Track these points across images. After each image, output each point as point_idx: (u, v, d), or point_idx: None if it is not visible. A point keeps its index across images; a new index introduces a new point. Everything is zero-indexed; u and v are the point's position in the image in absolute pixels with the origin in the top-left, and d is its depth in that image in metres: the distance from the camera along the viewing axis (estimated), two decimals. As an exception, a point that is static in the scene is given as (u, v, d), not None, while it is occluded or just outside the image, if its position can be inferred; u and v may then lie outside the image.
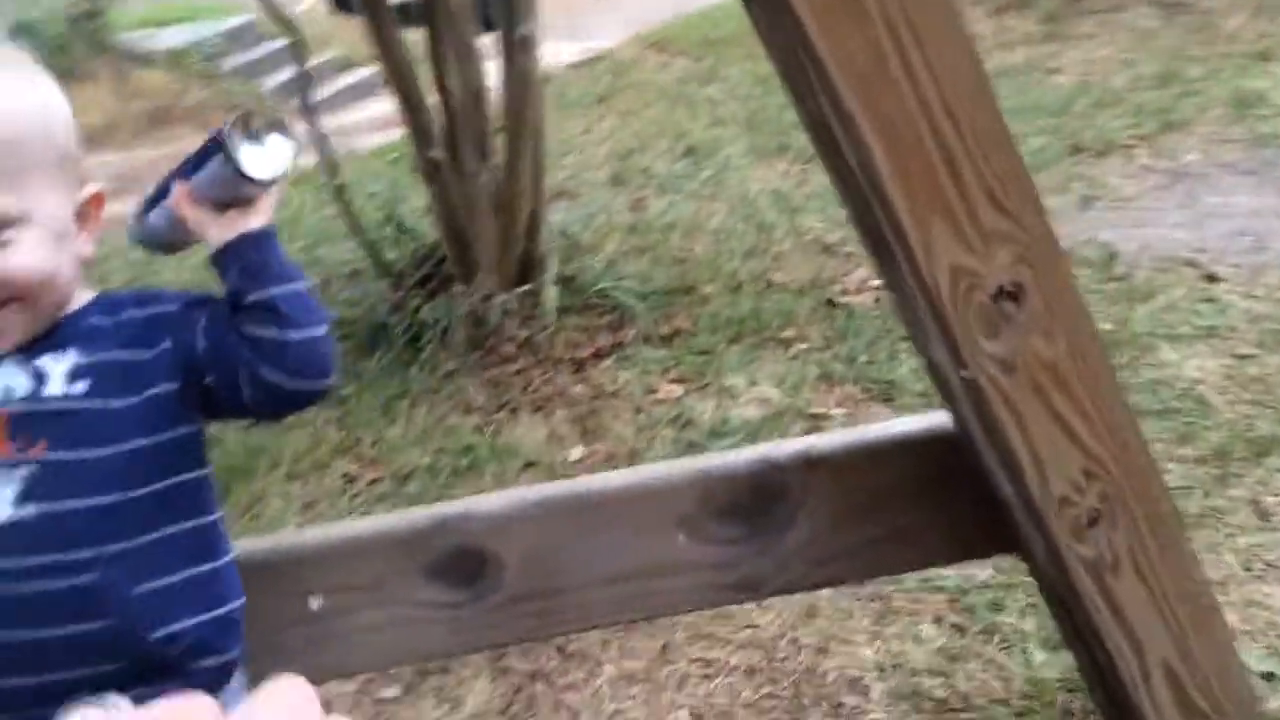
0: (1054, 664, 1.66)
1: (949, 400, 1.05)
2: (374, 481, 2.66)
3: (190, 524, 0.98)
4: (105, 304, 0.99)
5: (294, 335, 0.96)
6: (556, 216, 3.65)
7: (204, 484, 1.01)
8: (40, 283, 0.93)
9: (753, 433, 2.61)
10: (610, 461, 2.60)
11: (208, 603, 0.99)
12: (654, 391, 2.89)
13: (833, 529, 1.20)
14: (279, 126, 0.99)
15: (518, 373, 3.04)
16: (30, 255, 0.92)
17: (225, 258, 0.99)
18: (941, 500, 1.19)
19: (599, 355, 3.10)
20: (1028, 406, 0.93)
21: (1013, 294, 0.90)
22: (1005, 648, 1.75)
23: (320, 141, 3.31)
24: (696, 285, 3.45)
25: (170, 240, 1.09)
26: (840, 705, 1.71)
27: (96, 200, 1.01)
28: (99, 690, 0.92)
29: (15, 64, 0.99)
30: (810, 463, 1.17)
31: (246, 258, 0.98)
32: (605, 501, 1.22)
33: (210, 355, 0.97)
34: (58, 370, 0.95)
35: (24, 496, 0.90)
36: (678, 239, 3.90)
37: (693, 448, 2.58)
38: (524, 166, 3.09)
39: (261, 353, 0.95)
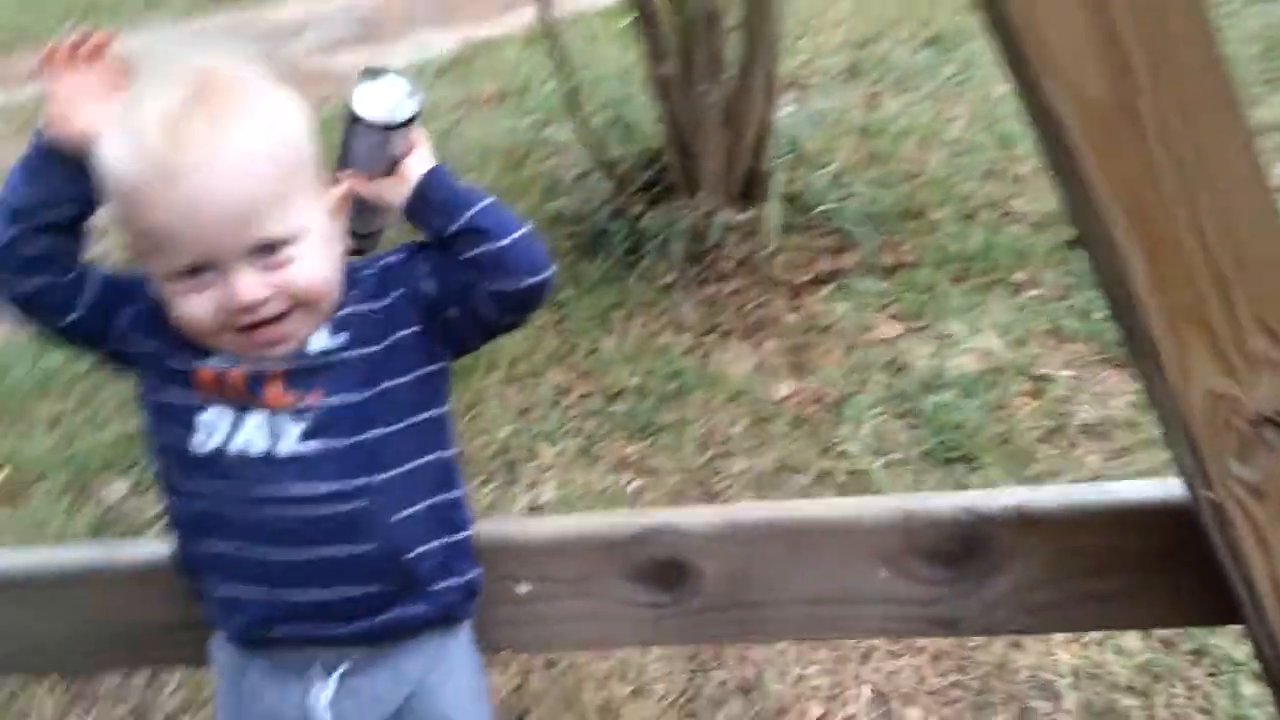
0: (1263, 703, 1.58)
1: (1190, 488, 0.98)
2: (585, 396, 2.75)
3: (434, 456, 1.10)
4: (345, 269, 1.09)
5: (504, 242, 1.04)
6: (785, 112, 3.54)
7: (447, 420, 1.13)
8: (322, 289, 1.05)
9: (968, 388, 2.53)
10: (817, 404, 2.58)
11: (449, 528, 1.12)
12: (869, 329, 2.83)
13: (1041, 584, 1.16)
14: (381, 73, 1.09)
15: (733, 293, 3.03)
16: (311, 267, 1.03)
17: (415, 209, 1.09)
18: (1166, 570, 1.13)
19: (818, 282, 3.04)
20: (1277, 537, 0.86)
21: (1276, 422, 0.83)
22: (1213, 675, 1.67)
23: (543, 5, 3.30)
24: (926, 210, 3.31)
25: (373, 229, 1.18)
26: (1028, 709, 1.69)
27: (345, 195, 1.10)
28: (367, 608, 1.09)
29: (260, 90, 1.04)
30: (1023, 519, 1.14)
31: (433, 200, 1.08)
32: (810, 529, 1.23)
33: (442, 291, 1.06)
34: (320, 329, 1.07)
35: (305, 435, 1.05)
36: (912, 148, 3.73)
37: (904, 399, 2.53)
38: (756, 82, 3.01)
39: (483, 269, 1.04)
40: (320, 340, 1.06)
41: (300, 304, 1.03)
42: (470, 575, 1.15)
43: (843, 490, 2.29)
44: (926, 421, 2.45)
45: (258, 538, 1.07)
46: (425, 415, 1.09)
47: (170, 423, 1.08)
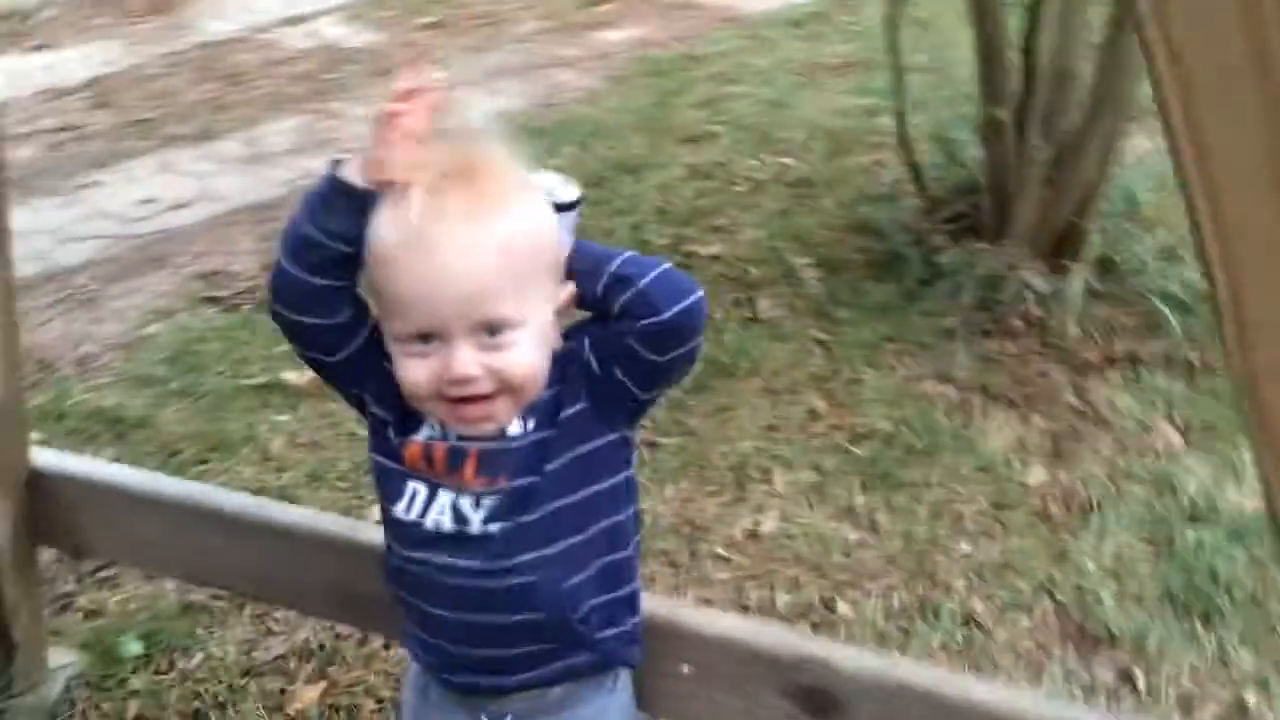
0: None
1: None
2: (834, 428, 2.75)
3: (608, 522, 1.21)
4: None
5: (647, 279, 1.10)
6: (1125, 166, 3.30)
7: (623, 486, 1.22)
8: (531, 379, 1.14)
9: (1238, 531, 2.33)
10: (1066, 504, 2.47)
11: (615, 584, 1.24)
12: (1149, 432, 2.65)
13: None
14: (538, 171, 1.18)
15: (1014, 356, 2.91)
16: (525, 355, 1.12)
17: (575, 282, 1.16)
18: None
19: (1109, 362, 2.87)
20: None
21: None
22: None
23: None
24: (1258, 306, 3.01)
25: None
26: None
27: (569, 298, 1.17)
28: (534, 663, 1.22)
29: (520, 183, 1.13)
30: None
31: (584, 268, 1.15)
32: (965, 706, 1.24)
33: (602, 355, 1.14)
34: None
35: (489, 518, 1.18)
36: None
37: (1161, 526, 2.37)
38: (1093, 144, 2.82)
39: (633, 311, 1.10)
40: (513, 426, 1.16)
41: (508, 389, 1.12)
42: (631, 624, 1.26)
43: (1060, 611, 2.21)
44: (1178, 558, 2.29)
45: (440, 601, 1.21)
46: (600, 486, 1.19)
47: (384, 481, 1.23)
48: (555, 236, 1.14)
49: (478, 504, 1.17)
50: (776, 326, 3.12)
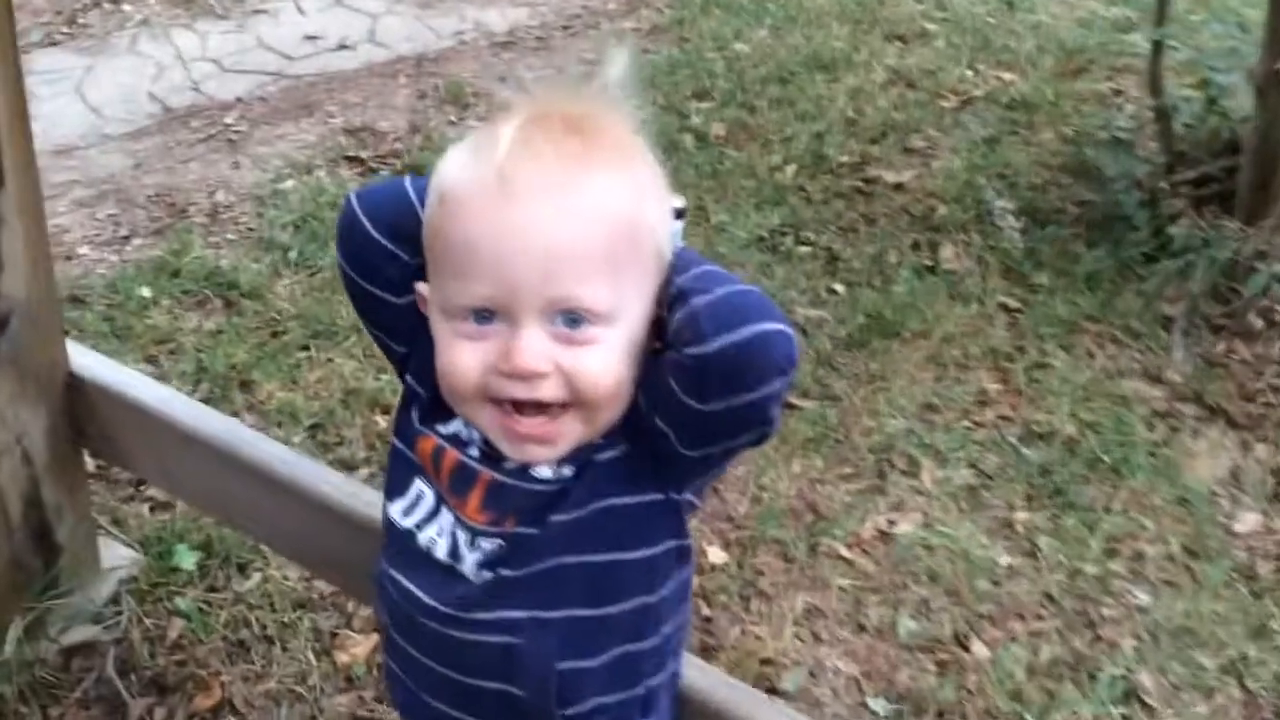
0: None
1: None
2: (1004, 419, 2.34)
3: (636, 601, 0.94)
4: None
5: (703, 299, 0.83)
6: None
7: (663, 561, 0.94)
8: (611, 397, 0.87)
9: None
10: (1274, 563, 2.01)
11: (633, 680, 0.96)
12: (1405, 487, 2.14)
13: None
14: None
15: (1245, 363, 2.40)
16: (608, 363, 0.86)
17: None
18: None
19: (1365, 386, 2.33)
20: None
21: None
22: None
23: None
24: None
25: None
26: None
27: (668, 293, 0.90)
28: None
29: (638, 151, 0.90)
30: None
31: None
32: None
33: (650, 392, 0.88)
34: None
35: (485, 564, 0.92)
36: None
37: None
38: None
39: (681, 336, 0.84)
40: (544, 468, 0.90)
41: (579, 403, 0.86)
42: None
43: (1249, 703, 1.80)
44: None
45: (414, 638, 0.97)
46: (630, 555, 0.91)
47: (391, 469, 1.00)
48: (666, 227, 0.89)
49: (473, 543, 0.92)
50: (958, 282, 2.67)
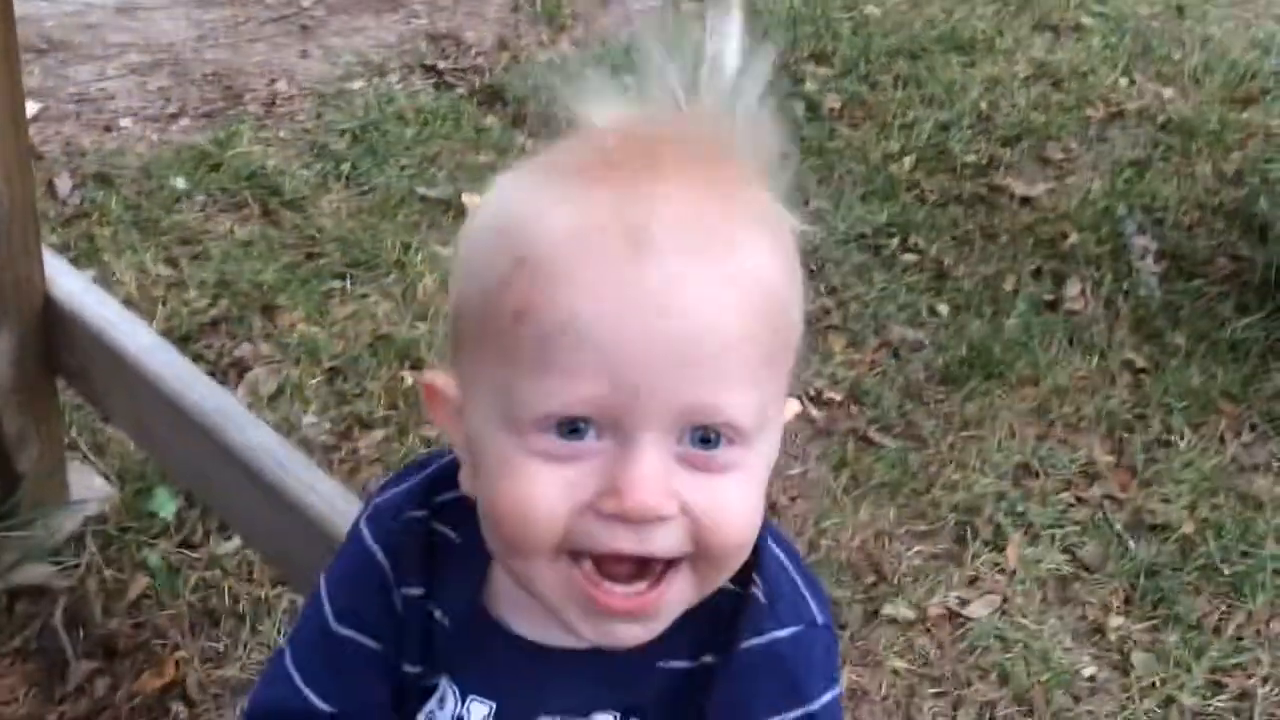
0: None
1: None
2: (1110, 499, 2.02)
3: None
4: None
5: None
6: None
7: None
8: (742, 547, 0.64)
9: None
10: None
11: None
12: None
13: None
14: None
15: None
16: (750, 499, 0.63)
17: None
18: None
19: None
20: None
21: None
22: None
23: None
24: None
25: None
26: None
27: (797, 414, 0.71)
28: None
29: (783, 219, 0.64)
30: None
31: None
32: None
33: None
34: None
35: None
36: None
37: None
38: None
39: None
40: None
41: (704, 556, 0.62)
42: None
43: None
44: None
45: None
46: None
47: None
48: (801, 311, 0.65)
49: None
50: (1081, 326, 2.34)
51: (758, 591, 0.67)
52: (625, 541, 0.59)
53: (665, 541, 0.59)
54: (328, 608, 0.73)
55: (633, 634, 0.62)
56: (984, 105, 2.97)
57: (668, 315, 0.56)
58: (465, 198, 2.47)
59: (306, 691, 0.72)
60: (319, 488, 1.17)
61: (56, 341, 1.42)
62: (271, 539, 1.27)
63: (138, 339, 1.31)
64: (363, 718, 0.71)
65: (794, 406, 0.68)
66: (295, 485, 1.17)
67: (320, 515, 1.15)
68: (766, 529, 0.68)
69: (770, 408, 0.62)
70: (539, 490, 0.59)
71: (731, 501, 0.61)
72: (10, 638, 1.63)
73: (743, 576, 0.66)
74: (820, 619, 0.69)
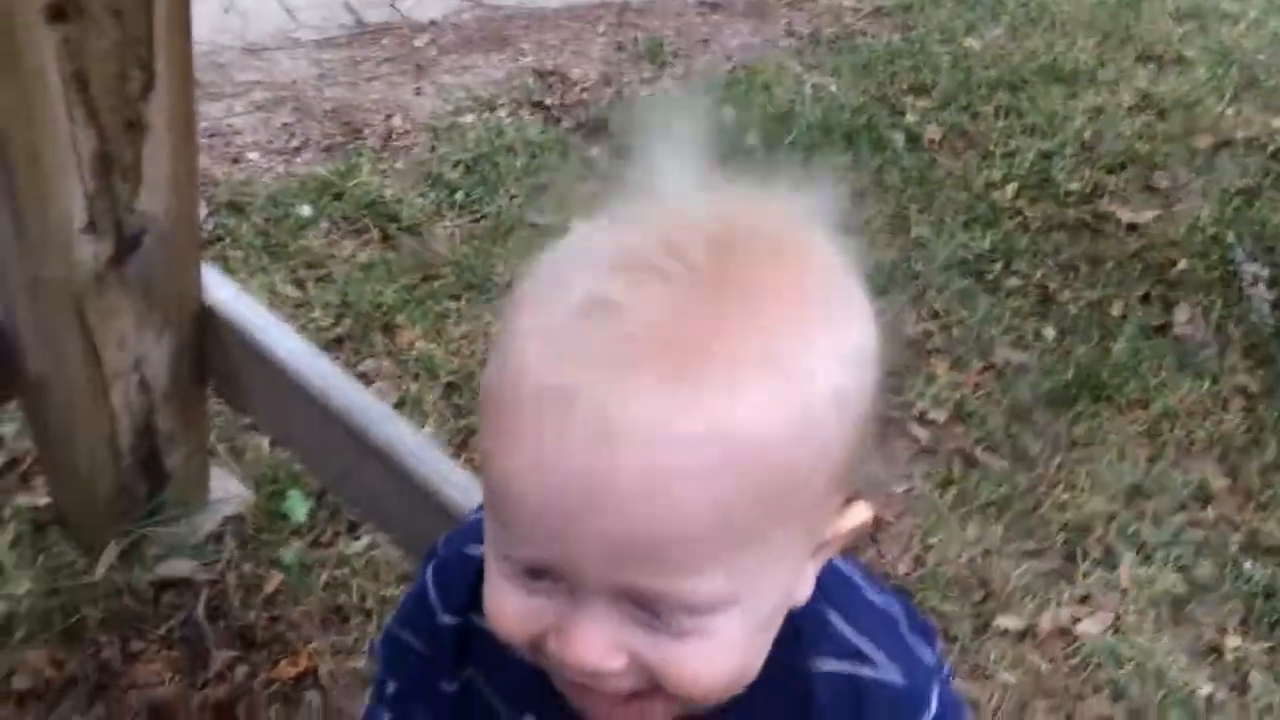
0: None
1: None
2: (1225, 521, 2.00)
3: None
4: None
5: None
6: None
7: None
8: (725, 689, 0.60)
9: None
10: None
11: None
12: None
13: None
14: None
15: None
16: (713, 658, 0.57)
17: None
18: None
19: None
20: None
21: None
22: None
23: None
24: None
25: None
26: None
27: (854, 529, 0.64)
28: None
29: (824, 268, 0.57)
30: None
31: None
32: None
33: None
34: None
35: None
36: None
37: None
38: None
39: None
40: None
41: (671, 695, 0.59)
42: None
43: None
44: None
45: None
46: None
47: None
48: (860, 425, 0.57)
49: None
50: (1191, 351, 2.32)
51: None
52: (578, 676, 0.58)
53: (618, 684, 0.58)
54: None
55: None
56: (1087, 134, 2.97)
57: (600, 510, 0.51)
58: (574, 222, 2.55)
59: None
60: (455, 479, 1.24)
61: (210, 348, 1.51)
62: (406, 527, 1.34)
63: (287, 344, 1.40)
64: None
65: (862, 513, 0.63)
66: (432, 475, 1.23)
67: (454, 503, 1.21)
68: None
69: (752, 576, 0.56)
70: (509, 608, 0.59)
71: (689, 662, 0.56)
72: (157, 626, 1.72)
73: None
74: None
